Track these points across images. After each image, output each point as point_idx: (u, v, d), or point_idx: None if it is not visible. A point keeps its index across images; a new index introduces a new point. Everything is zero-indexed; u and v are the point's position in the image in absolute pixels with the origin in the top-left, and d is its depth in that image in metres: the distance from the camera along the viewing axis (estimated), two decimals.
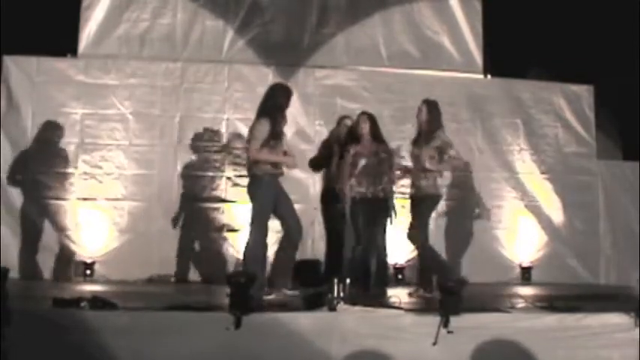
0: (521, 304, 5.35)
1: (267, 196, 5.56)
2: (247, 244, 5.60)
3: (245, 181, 7.86)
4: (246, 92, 8.07)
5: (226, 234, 7.84)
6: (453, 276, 5.88)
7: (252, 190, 5.66)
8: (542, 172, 8.61)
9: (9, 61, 7.63)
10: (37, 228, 7.51)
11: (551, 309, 4.85)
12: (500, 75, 8.68)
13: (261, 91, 8.04)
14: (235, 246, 7.81)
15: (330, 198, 6.64)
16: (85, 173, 7.71)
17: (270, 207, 5.60)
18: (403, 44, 8.61)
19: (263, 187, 5.55)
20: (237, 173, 7.93)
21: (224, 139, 8.01)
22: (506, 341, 4.34)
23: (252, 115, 8.00)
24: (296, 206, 7.78)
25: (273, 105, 5.67)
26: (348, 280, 4.63)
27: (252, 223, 5.61)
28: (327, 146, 6.98)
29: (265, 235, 5.64)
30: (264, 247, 5.64)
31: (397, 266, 7.94)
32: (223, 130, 8.01)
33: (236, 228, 7.84)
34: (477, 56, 8.73)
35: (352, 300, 4.56)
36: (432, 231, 8.08)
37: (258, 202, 5.58)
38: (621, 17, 7.94)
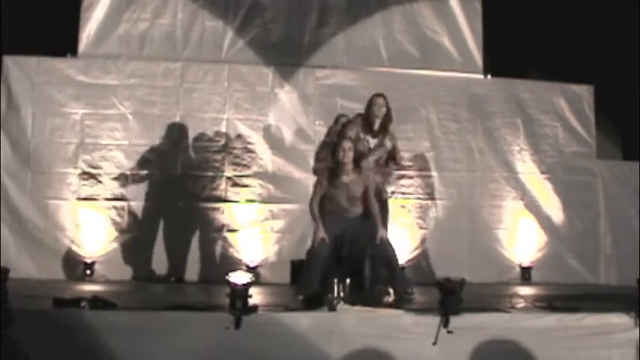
0: (521, 304, 5.34)
1: None
2: None
3: (245, 181, 8.00)
4: (246, 92, 8.09)
5: (226, 234, 7.83)
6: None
7: None
8: (542, 172, 8.60)
9: (9, 61, 7.63)
10: (37, 228, 7.52)
11: (551, 309, 4.85)
12: (500, 75, 8.66)
13: (262, 91, 8.19)
14: (235, 246, 7.82)
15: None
16: (85, 173, 7.71)
17: None
18: (403, 44, 8.60)
19: None
20: (237, 173, 7.94)
21: (224, 139, 8.00)
22: (506, 341, 4.34)
23: (252, 115, 8.17)
24: (295, 206, 7.89)
25: None
26: (348, 280, 4.62)
27: None
28: (323, 148, 6.82)
29: None
30: None
31: None
32: (223, 130, 8.01)
33: (236, 228, 7.85)
34: (477, 56, 8.73)
35: (352, 300, 4.56)
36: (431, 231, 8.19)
37: None
38: (621, 18, 7.94)
